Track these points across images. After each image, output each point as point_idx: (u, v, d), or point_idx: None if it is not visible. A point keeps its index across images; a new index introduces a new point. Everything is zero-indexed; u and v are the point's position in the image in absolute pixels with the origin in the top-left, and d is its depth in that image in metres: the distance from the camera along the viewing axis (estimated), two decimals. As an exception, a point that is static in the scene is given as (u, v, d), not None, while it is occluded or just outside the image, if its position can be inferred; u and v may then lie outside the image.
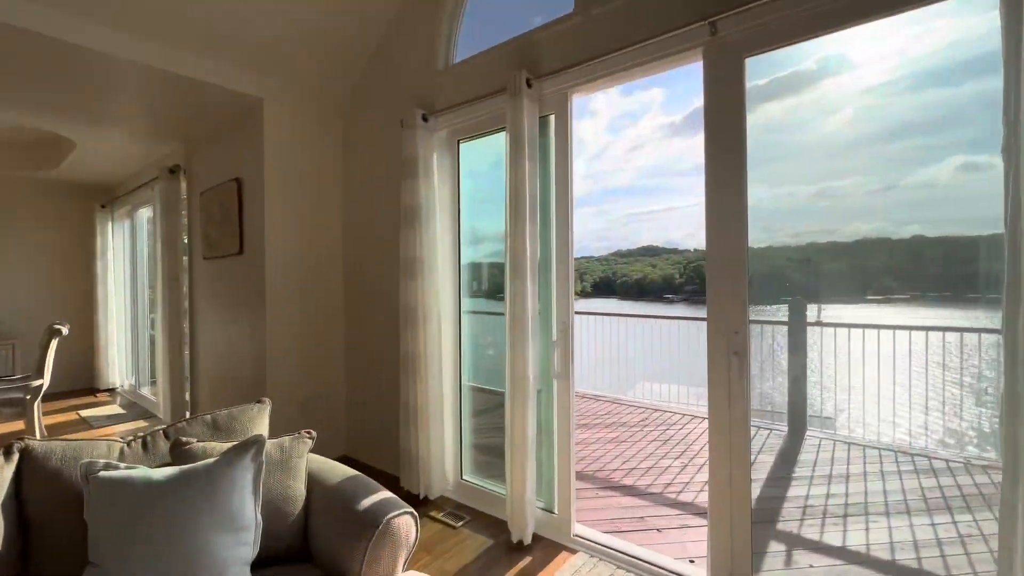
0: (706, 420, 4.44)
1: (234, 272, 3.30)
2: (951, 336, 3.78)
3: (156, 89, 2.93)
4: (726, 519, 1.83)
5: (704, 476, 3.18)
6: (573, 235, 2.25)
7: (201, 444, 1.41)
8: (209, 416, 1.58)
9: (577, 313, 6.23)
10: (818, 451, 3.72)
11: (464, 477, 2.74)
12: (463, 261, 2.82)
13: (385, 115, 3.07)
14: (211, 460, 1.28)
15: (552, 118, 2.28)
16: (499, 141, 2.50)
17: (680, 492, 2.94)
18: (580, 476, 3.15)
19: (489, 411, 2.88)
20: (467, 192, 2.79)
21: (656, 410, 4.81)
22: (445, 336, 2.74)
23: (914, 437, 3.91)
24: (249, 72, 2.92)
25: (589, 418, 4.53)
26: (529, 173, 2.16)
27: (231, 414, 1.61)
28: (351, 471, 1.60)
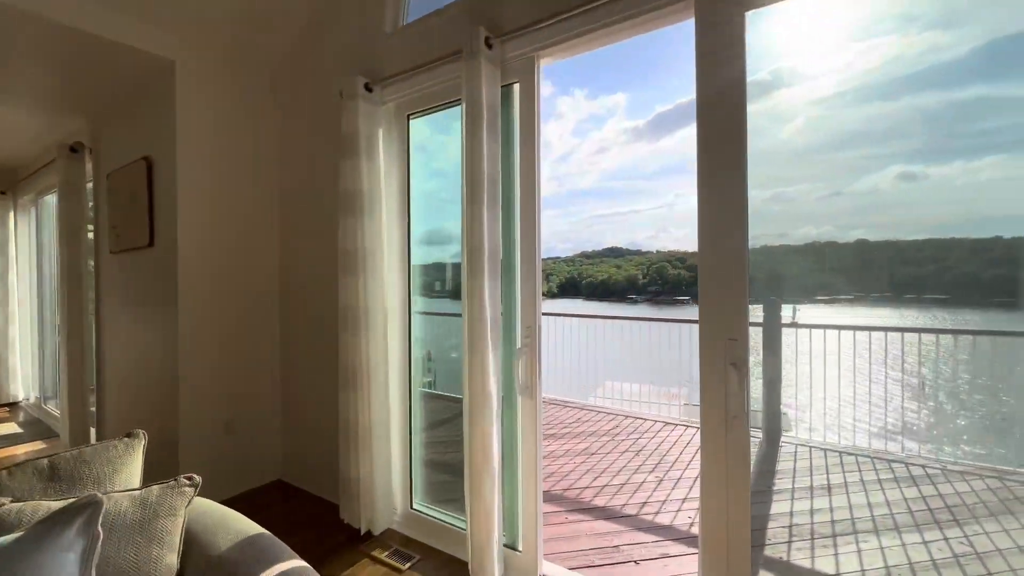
0: (679, 427, 4.23)
1: (144, 267, 2.80)
2: (926, 338, 3.69)
3: (47, 47, 2.41)
4: (721, 556, 1.54)
5: (681, 493, 2.92)
6: (540, 226, 1.92)
7: (17, 506, 1.00)
8: (46, 460, 1.15)
9: (544, 315, 5.91)
10: (795, 459, 3.56)
11: (415, 506, 2.37)
12: (428, 260, 2.47)
13: (326, 85, 2.66)
14: (11, 538, 0.87)
15: (516, 87, 1.95)
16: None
17: (657, 513, 2.66)
18: (547, 497, 2.83)
19: (449, 421, 2.52)
20: (432, 191, 2.45)
21: (628, 416, 4.57)
22: (392, 342, 2.36)
23: (889, 441, 3.81)
24: (157, 28, 2.44)
25: (557, 427, 4.23)
26: (488, 150, 1.82)
27: (81, 457, 1.18)
28: (250, 528, 1.20)
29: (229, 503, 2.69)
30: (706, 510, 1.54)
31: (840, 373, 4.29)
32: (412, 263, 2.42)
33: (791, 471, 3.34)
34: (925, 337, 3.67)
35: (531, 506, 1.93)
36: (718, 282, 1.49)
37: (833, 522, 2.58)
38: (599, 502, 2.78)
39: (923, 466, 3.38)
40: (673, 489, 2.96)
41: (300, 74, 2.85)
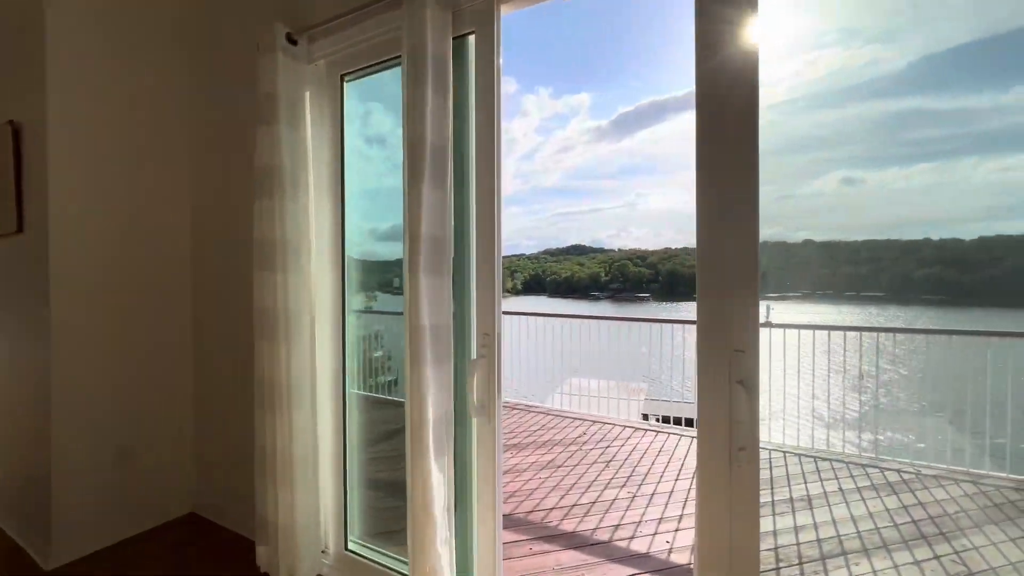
0: (649, 432, 4.00)
1: (11, 259, 2.27)
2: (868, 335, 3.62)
3: None
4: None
5: (656, 512, 2.66)
6: (501, 213, 1.58)
7: None
8: None
9: (511, 314, 5.59)
10: (771, 467, 3.39)
11: (350, 547, 1.98)
12: (393, 257, 2.08)
13: (245, 36, 2.21)
14: None
15: (471, 39, 1.59)
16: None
17: (632, 537, 2.38)
18: (510, 523, 2.50)
19: (402, 432, 2.13)
20: (399, 187, 2.07)
21: (595, 421, 4.31)
22: (323, 351, 1.96)
23: (863, 448, 3.71)
24: (17, -44, 1.93)
25: (521, 435, 3.92)
26: (433, 112, 1.46)
27: None
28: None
29: (126, 544, 2.22)
30: (704, 561, 1.25)
31: (807, 372, 4.21)
32: (357, 257, 2.03)
33: (768, 480, 3.15)
34: (865, 333, 3.63)
35: (488, 547, 1.58)
36: (721, 284, 1.19)
37: (819, 541, 2.37)
38: (567, 526, 2.47)
39: (898, 471, 3.27)
40: (647, 507, 2.70)
41: (213, 22, 2.38)
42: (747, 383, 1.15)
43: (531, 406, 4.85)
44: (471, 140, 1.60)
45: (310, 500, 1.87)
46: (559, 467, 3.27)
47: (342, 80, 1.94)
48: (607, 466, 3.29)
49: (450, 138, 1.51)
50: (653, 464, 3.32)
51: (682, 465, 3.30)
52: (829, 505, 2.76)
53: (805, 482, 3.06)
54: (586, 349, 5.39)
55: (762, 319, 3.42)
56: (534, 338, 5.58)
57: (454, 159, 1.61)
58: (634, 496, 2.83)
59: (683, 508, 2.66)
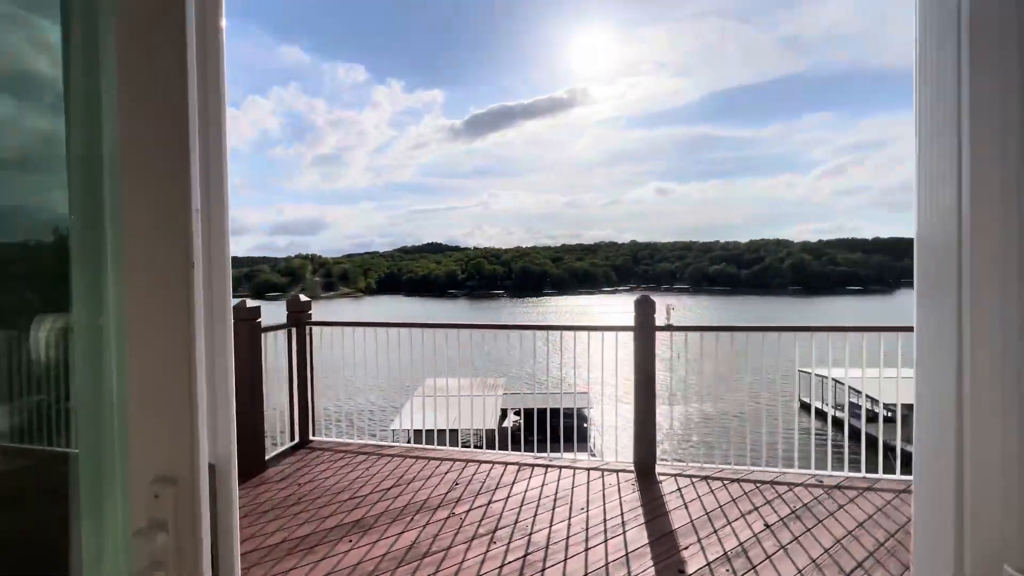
0: (537, 469, 3.15)
1: None
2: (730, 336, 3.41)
3: None
4: None
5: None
6: (224, 116, 0.49)
7: None
8: None
9: (371, 325, 4.22)
10: (682, 498, 2.82)
11: None
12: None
13: None
14: None
15: None
16: None
17: None
18: None
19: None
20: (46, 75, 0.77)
21: (470, 461, 3.34)
22: None
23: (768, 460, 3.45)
24: None
25: (367, 503, 2.76)
26: None
27: None
28: None
29: None
30: None
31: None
32: None
33: (688, 526, 2.56)
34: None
35: None
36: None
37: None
38: None
39: (803, 484, 2.97)
40: (559, 616, 1.82)
41: None
42: None
43: (381, 447, 3.69)
44: None
45: None
46: (423, 557, 2.23)
47: None
48: (493, 540, 2.35)
49: None
50: (551, 525, 2.49)
51: (587, 522, 2.53)
52: (759, 542, 2.24)
53: (725, 517, 2.54)
54: (445, 348, 4.52)
55: (661, 321, 2.72)
56: (384, 350, 4.43)
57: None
58: (537, 595, 1.94)
59: (609, 608, 1.85)
